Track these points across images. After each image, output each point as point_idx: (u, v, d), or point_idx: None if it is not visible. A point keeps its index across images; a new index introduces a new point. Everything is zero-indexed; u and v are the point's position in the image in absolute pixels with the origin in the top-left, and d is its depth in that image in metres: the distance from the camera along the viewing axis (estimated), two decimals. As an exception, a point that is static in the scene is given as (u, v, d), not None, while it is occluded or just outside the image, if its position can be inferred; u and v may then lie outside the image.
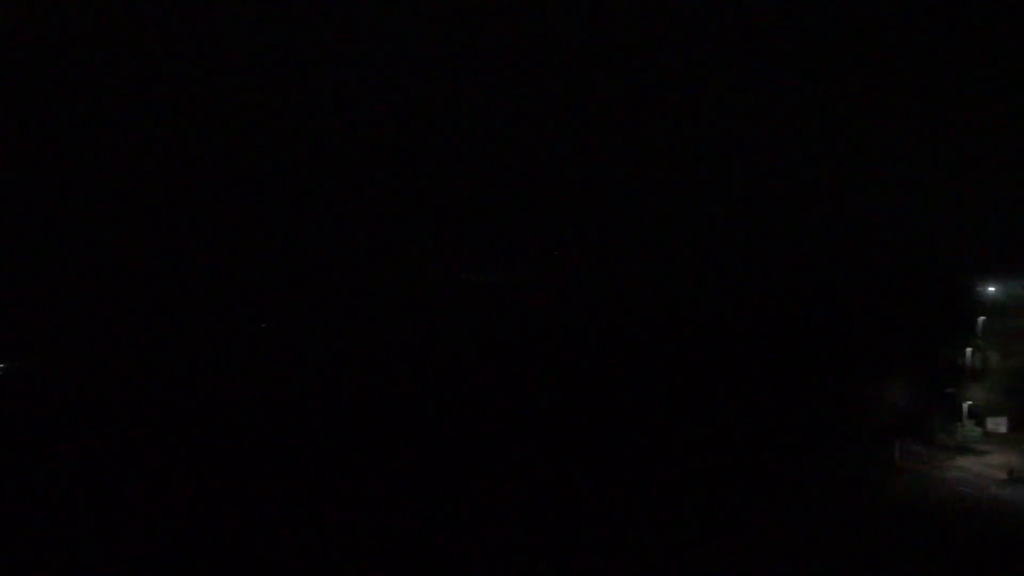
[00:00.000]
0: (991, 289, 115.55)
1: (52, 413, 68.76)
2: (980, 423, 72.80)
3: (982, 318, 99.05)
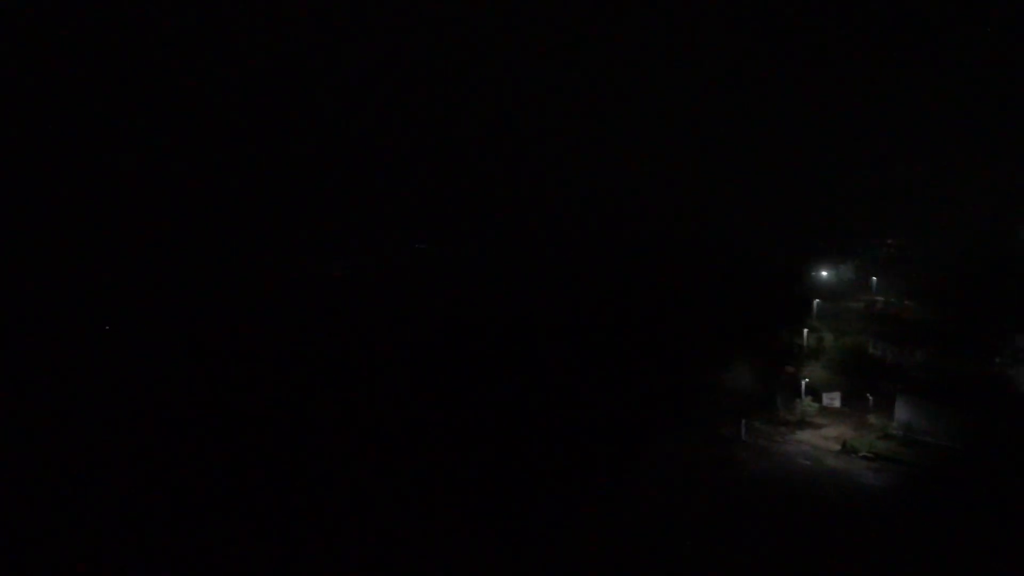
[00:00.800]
0: (824, 274, 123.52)
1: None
2: (817, 399, 77.35)
3: (816, 301, 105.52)
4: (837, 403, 77.76)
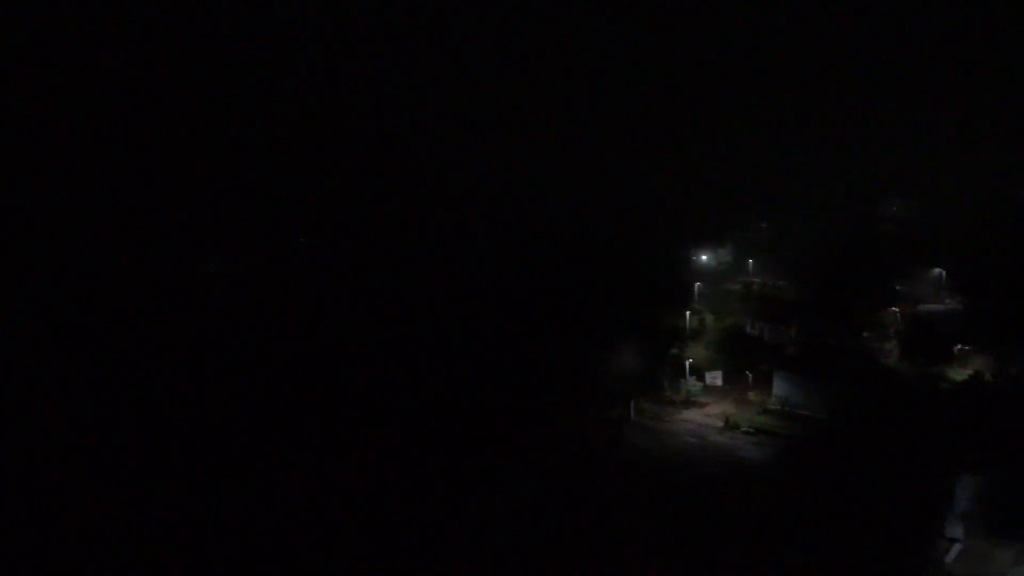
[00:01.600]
0: (703, 258, 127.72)
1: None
2: (700, 378, 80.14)
3: (698, 284, 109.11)
4: (719, 382, 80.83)
